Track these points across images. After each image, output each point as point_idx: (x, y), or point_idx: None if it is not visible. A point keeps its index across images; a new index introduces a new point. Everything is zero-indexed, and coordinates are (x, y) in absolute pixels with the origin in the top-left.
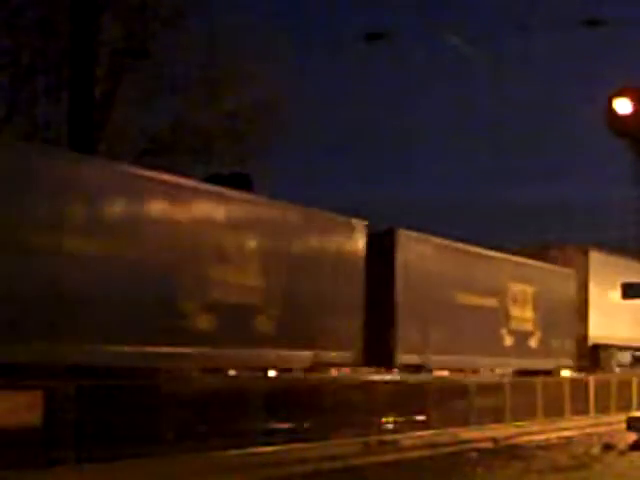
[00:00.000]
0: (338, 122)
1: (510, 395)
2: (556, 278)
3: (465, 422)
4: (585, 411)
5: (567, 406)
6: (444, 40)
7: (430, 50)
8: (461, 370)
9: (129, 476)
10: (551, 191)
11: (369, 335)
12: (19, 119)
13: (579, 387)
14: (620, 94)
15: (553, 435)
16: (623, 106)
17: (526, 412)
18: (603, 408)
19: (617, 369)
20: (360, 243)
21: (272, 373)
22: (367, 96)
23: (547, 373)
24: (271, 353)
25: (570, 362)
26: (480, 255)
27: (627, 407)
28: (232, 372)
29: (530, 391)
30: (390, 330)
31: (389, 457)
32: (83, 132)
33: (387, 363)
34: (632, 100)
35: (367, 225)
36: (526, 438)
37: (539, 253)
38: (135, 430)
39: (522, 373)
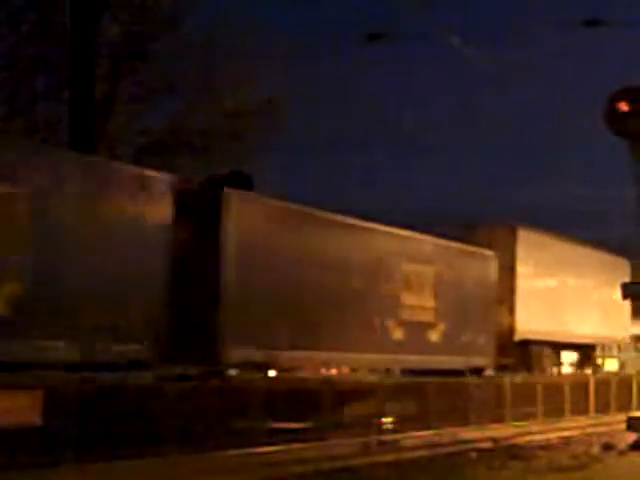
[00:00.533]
0: (337, 122)
1: (510, 395)
2: (470, 260)
3: (465, 422)
4: (585, 411)
5: (567, 406)
6: (446, 41)
7: (430, 50)
8: (327, 369)
9: (129, 476)
10: (551, 191)
11: (187, 325)
12: (19, 119)
13: (579, 387)
14: (620, 94)
15: (553, 435)
16: (623, 106)
17: (526, 412)
18: (603, 408)
19: (559, 369)
20: (163, 203)
21: (272, 373)
22: (367, 96)
23: (456, 373)
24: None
25: (486, 360)
26: (357, 228)
27: (627, 407)
28: (232, 372)
29: (530, 391)
30: (215, 318)
31: (389, 457)
32: (83, 132)
33: (211, 360)
34: (632, 100)
35: (184, 182)
36: (526, 438)
37: (462, 233)
38: (135, 430)
39: (420, 373)
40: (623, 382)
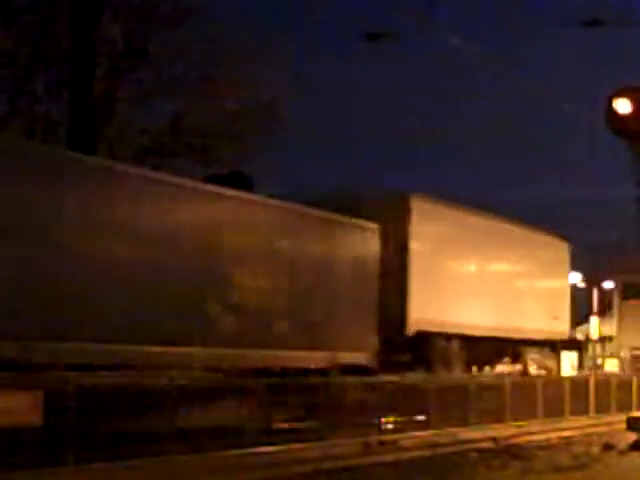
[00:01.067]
0: (336, 122)
1: (510, 395)
2: (341, 233)
3: (465, 422)
4: (585, 411)
5: (567, 406)
6: (445, 40)
7: (430, 50)
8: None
9: (129, 476)
10: (550, 190)
11: None
12: (19, 119)
13: (579, 387)
14: (620, 94)
15: (553, 435)
16: (623, 106)
17: (526, 412)
18: (603, 408)
19: (477, 369)
20: None
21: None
22: (366, 95)
23: (320, 373)
24: None
25: (365, 357)
26: (165, 184)
27: (627, 407)
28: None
29: (530, 391)
30: None
31: (389, 457)
32: (83, 132)
33: None
34: (632, 100)
35: None
36: (526, 438)
37: (350, 205)
38: (135, 430)
39: (264, 372)
40: (623, 382)
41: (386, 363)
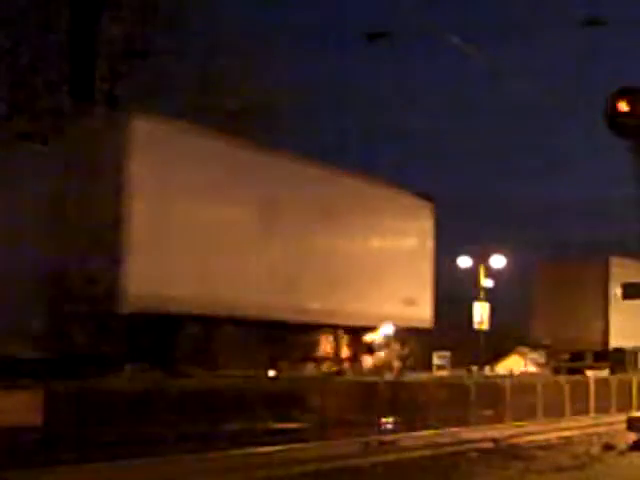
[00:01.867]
0: (337, 121)
1: (510, 395)
2: None
3: (465, 422)
4: (585, 411)
5: (567, 406)
6: (444, 40)
7: (429, 49)
8: None
9: (129, 476)
10: (551, 190)
11: None
12: (19, 117)
13: (579, 387)
14: (620, 94)
15: (553, 435)
16: (623, 106)
17: (526, 412)
18: (603, 408)
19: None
20: None
21: (271, 373)
22: (365, 94)
23: None
24: None
25: (23, 348)
26: None
27: (627, 407)
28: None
29: (530, 391)
30: None
31: (389, 457)
32: None
33: None
34: (632, 100)
35: None
36: (526, 438)
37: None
38: (135, 430)
39: None
40: (623, 382)
41: (80, 357)
